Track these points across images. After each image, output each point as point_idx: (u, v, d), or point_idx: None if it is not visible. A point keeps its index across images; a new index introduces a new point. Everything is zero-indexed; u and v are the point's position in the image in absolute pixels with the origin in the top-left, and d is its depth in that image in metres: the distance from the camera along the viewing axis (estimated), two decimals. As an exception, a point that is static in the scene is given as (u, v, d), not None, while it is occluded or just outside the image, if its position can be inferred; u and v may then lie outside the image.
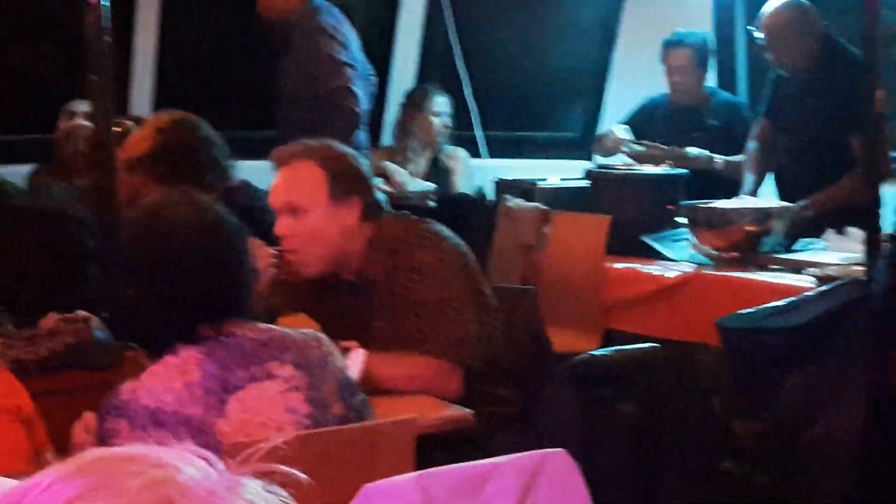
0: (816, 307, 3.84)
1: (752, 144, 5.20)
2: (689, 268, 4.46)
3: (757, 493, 4.00)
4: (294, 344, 2.33)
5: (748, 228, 4.42)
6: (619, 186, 5.00)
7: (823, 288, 3.90)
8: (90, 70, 3.25)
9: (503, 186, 5.39)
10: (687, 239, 4.63)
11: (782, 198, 4.97)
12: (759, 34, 4.97)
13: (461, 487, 1.94)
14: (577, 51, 6.77)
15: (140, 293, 2.30)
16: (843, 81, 4.71)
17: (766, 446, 3.98)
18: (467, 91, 6.51)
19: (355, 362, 2.85)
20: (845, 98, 4.64)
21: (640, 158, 5.34)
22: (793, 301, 3.90)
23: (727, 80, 6.18)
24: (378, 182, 5.48)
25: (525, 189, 5.18)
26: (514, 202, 4.97)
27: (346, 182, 3.14)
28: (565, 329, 4.30)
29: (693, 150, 5.32)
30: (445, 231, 3.21)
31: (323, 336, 2.43)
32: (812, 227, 4.55)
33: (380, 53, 6.54)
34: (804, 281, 4.09)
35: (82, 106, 5.09)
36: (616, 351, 3.24)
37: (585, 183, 5.16)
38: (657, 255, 4.66)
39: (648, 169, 5.16)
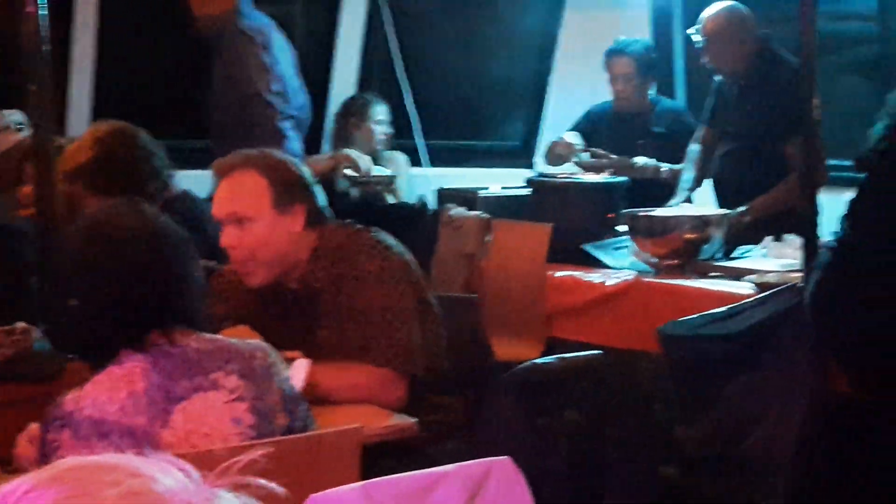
0: (755, 314, 3.88)
1: (694, 147, 5.25)
2: (629, 275, 4.49)
3: (699, 499, 4.04)
4: (239, 354, 2.32)
5: (688, 236, 4.46)
6: (559, 195, 5.02)
7: (762, 295, 3.94)
8: (28, 80, 3.22)
9: (445, 195, 5.40)
10: (628, 247, 4.66)
11: (721, 204, 5.02)
12: (697, 37, 5.02)
13: (407, 496, 1.94)
14: (518, 60, 6.80)
15: (84, 303, 2.28)
16: (778, 88, 4.77)
17: (707, 452, 4.02)
18: (408, 100, 6.51)
19: (299, 372, 2.84)
20: (781, 104, 4.70)
21: (587, 167, 5.37)
22: (732, 308, 3.94)
23: (665, 87, 6.23)
24: (346, 169, 5.70)
25: (467, 198, 5.20)
26: (456, 211, 4.98)
27: (290, 190, 3.14)
28: (508, 337, 4.32)
29: (640, 160, 5.35)
30: (390, 240, 3.21)
31: (268, 346, 2.42)
32: (751, 234, 4.59)
33: (320, 63, 6.53)
34: (743, 288, 4.12)
35: (15, 116, 5.04)
36: (559, 359, 3.25)
37: (527, 191, 5.19)
38: (598, 263, 4.68)
39: (589, 177, 5.20)
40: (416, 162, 6.35)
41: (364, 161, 5.91)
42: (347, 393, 2.98)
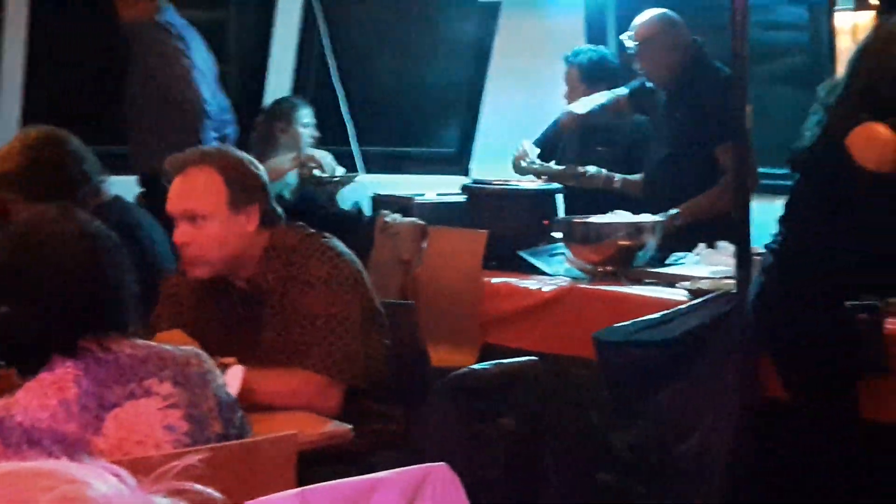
0: (689, 320, 3.91)
1: None
2: (564, 282, 4.51)
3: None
4: (173, 361, 2.29)
5: (622, 243, 4.48)
6: (495, 202, 5.03)
7: (695, 301, 3.97)
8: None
9: (380, 202, 5.39)
10: (563, 253, 4.68)
11: (651, 209, 5.04)
12: (630, 43, 5.06)
13: (344, 502, 1.93)
14: (453, 66, 6.80)
15: (15, 309, 2.24)
16: (708, 94, 4.83)
17: (641, 457, 4.04)
18: (343, 106, 6.50)
19: (233, 378, 2.82)
20: (710, 110, 4.75)
21: (537, 174, 5.30)
22: (666, 314, 3.97)
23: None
24: (314, 170, 5.82)
25: (402, 204, 5.19)
26: (392, 217, 4.97)
27: (245, 189, 3.13)
28: (444, 344, 4.32)
29: (591, 169, 5.28)
30: (341, 247, 3.21)
31: (203, 353, 2.40)
32: (685, 241, 4.62)
33: (254, 69, 6.51)
34: (677, 294, 4.15)
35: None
36: (495, 365, 3.25)
37: (462, 198, 5.19)
38: (534, 270, 4.70)
39: (524, 184, 5.20)
40: (351, 168, 6.34)
41: (328, 161, 5.94)
42: (283, 399, 2.97)
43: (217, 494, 0.98)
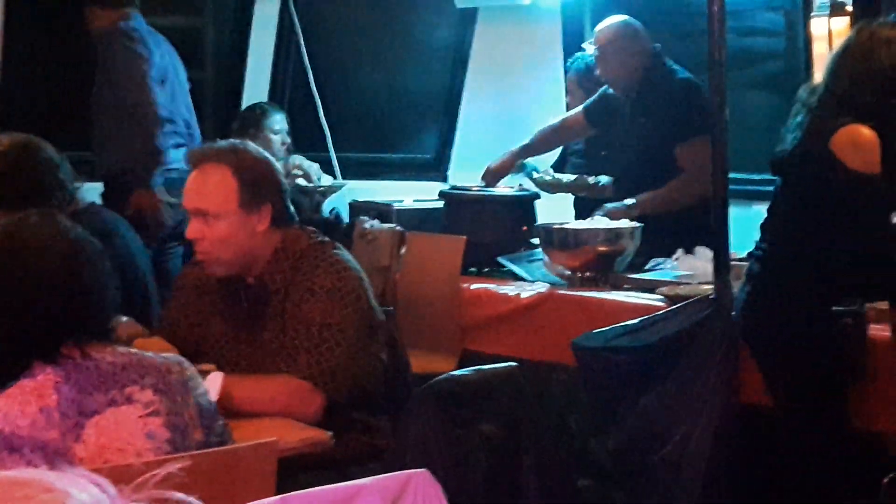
0: (667, 326, 3.91)
1: (555, 121, 5.33)
2: (543, 288, 4.51)
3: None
4: (154, 368, 2.28)
5: (601, 249, 4.49)
6: (473, 208, 5.03)
7: (674, 307, 3.98)
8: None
9: (358, 208, 5.39)
10: (542, 259, 4.68)
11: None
12: (591, 49, 5.09)
13: (325, 509, 1.92)
14: (430, 73, 6.81)
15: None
16: (668, 98, 4.85)
17: (621, 463, 4.04)
18: (320, 113, 6.50)
19: (213, 385, 2.82)
20: (671, 113, 4.78)
21: (543, 186, 5.28)
22: (644, 320, 3.97)
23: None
24: (298, 179, 5.84)
25: (380, 210, 5.18)
26: (370, 224, 4.96)
27: (259, 189, 3.14)
28: (423, 350, 4.31)
29: (603, 179, 5.23)
30: (352, 261, 3.23)
31: (184, 360, 2.39)
32: (663, 247, 4.63)
33: (232, 75, 6.50)
34: (656, 300, 4.16)
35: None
36: (474, 371, 3.25)
37: (440, 204, 5.18)
38: (513, 276, 4.70)
39: (502, 190, 5.20)
40: (328, 174, 6.33)
41: (314, 170, 5.94)
42: (262, 405, 2.97)
43: (198, 503, 0.97)
